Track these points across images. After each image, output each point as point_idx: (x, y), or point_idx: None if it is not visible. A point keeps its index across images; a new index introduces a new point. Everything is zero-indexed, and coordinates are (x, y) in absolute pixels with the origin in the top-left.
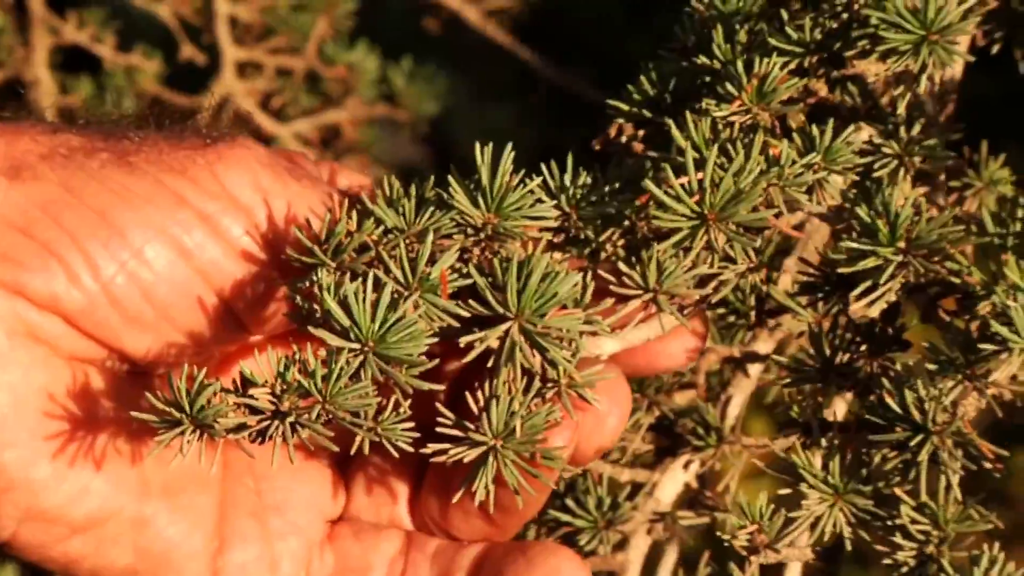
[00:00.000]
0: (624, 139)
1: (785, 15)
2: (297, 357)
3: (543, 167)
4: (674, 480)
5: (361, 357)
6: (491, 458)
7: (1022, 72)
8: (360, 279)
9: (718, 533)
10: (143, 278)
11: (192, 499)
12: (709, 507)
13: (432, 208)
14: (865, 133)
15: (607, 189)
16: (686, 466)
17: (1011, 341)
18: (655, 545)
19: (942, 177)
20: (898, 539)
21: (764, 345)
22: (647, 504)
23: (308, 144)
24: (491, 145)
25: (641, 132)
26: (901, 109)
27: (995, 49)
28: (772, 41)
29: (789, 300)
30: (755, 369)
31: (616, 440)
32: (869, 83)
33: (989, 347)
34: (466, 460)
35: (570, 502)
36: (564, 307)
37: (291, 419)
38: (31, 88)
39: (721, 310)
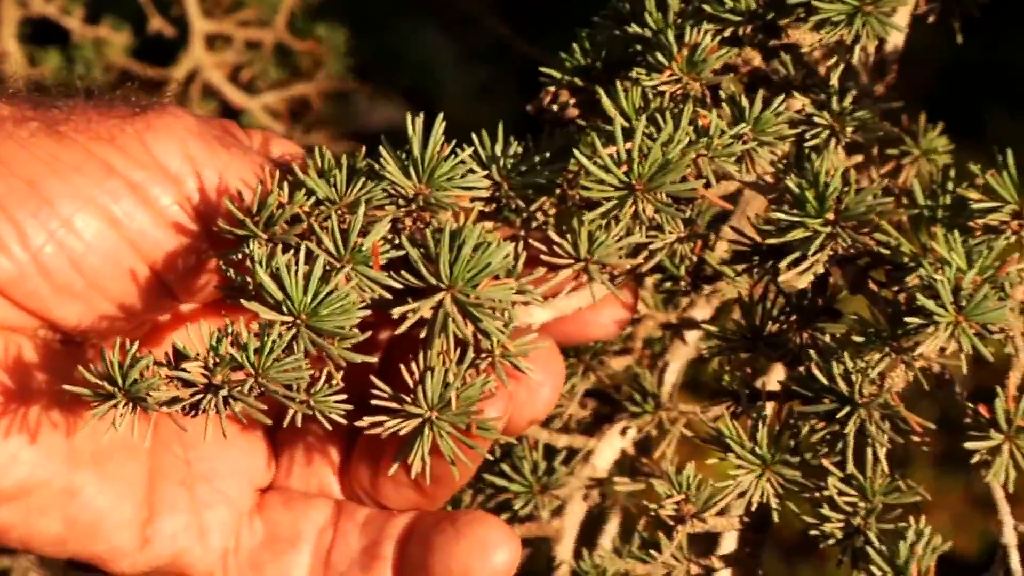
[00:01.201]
0: (557, 107)
1: None
2: (230, 330)
3: (474, 137)
4: (611, 446)
5: (294, 330)
6: (427, 430)
7: (959, 41)
8: (292, 251)
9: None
10: (72, 247)
11: (121, 468)
12: (646, 473)
13: (364, 179)
14: (798, 103)
15: (538, 159)
16: (623, 432)
17: (937, 315)
18: (591, 511)
19: (876, 148)
20: (825, 511)
21: (701, 312)
22: (583, 470)
23: (277, 116)
24: (422, 116)
25: (574, 99)
26: (834, 80)
27: (931, 19)
28: (707, 8)
29: (723, 267)
30: (692, 336)
31: (550, 410)
32: (804, 53)
33: (916, 320)
34: (402, 432)
35: (506, 467)
36: (496, 277)
37: (224, 392)
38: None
39: (657, 276)
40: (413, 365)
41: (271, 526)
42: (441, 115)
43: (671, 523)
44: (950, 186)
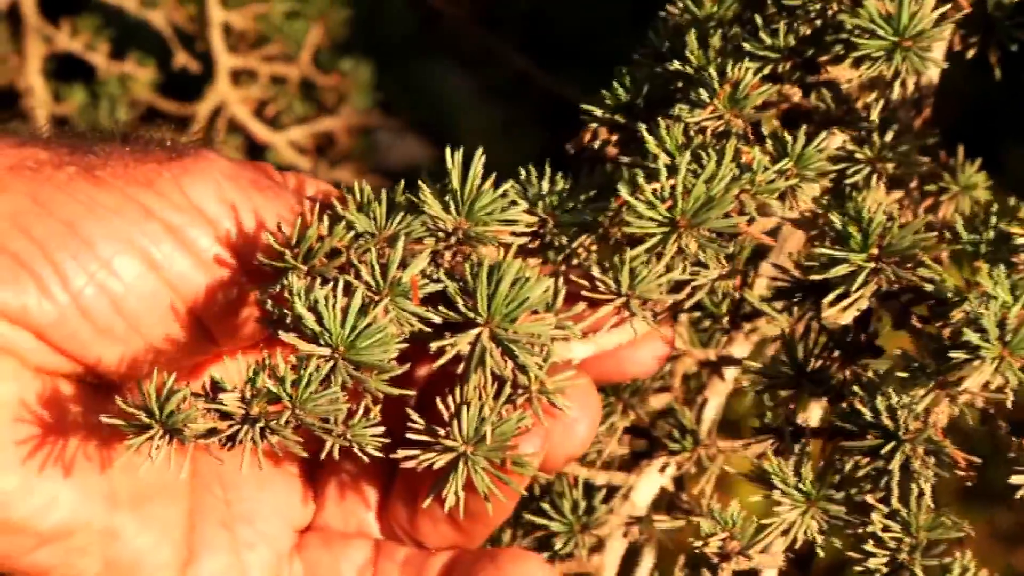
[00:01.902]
0: (598, 143)
1: (759, 20)
2: (267, 363)
3: (521, 172)
4: (650, 483)
5: (331, 363)
6: (461, 464)
7: (998, 77)
8: (331, 284)
9: (689, 539)
10: (112, 289)
11: (161, 509)
12: (685, 510)
13: (403, 213)
14: (839, 139)
15: (583, 196)
16: (662, 469)
17: (982, 348)
18: (631, 548)
19: (915, 183)
20: (870, 546)
21: (740, 349)
22: (623, 507)
23: (303, 152)
24: (462, 149)
25: (614, 137)
26: (874, 115)
27: (971, 54)
28: (746, 46)
29: (763, 304)
30: (730, 373)
31: (586, 447)
32: (843, 89)
33: (961, 354)
34: (436, 466)
35: (545, 505)
36: (535, 312)
37: (261, 424)
38: (25, 96)
39: (697, 314)
40: (450, 399)
41: (311, 566)
42: (480, 148)
43: (715, 560)
44: (992, 221)
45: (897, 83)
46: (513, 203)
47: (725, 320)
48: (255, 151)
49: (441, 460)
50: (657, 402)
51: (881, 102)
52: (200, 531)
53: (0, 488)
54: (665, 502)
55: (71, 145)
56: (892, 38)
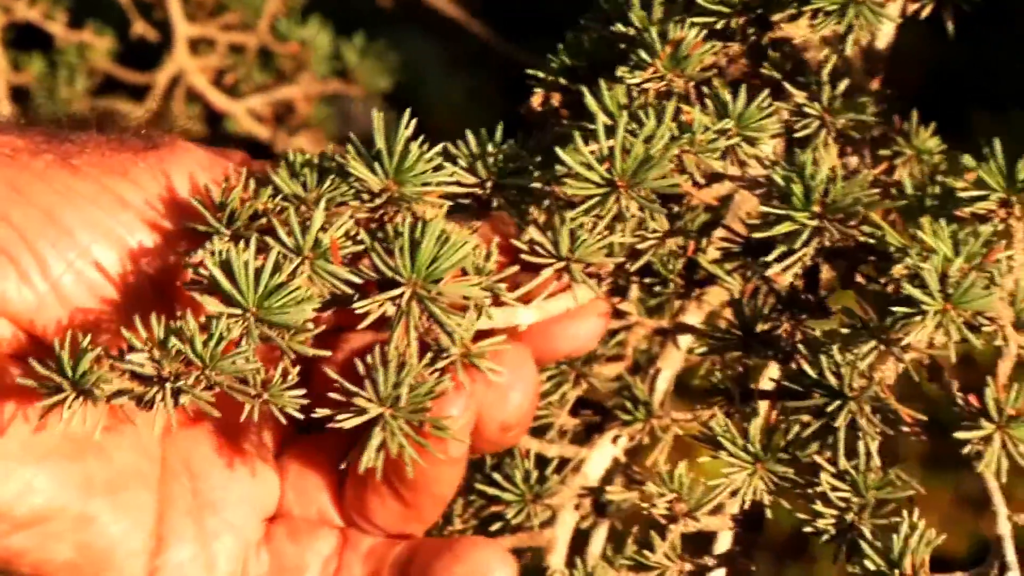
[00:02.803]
0: (551, 107)
1: None
2: (179, 324)
3: (467, 133)
4: (602, 455)
5: (243, 323)
6: (377, 428)
7: (951, 37)
8: (252, 245)
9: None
10: (90, 277)
11: (133, 497)
12: (638, 481)
13: (333, 177)
14: (791, 100)
15: (528, 158)
16: (614, 440)
17: (924, 303)
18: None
19: (868, 147)
20: (819, 507)
21: (693, 317)
22: (575, 479)
23: (261, 120)
24: (383, 111)
25: (561, 100)
26: (826, 73)
27: (924, 13)
28: (699, 1)
29: (715, 267)
30: (685, 341)
31: (523, 415)
32: (796, 47)
33: (903, 310)
34: (347, 426)
35: (497, 476)
36: (464, 274)
37: (171, 385)
38: None
39: (649, 279)
40: (370, 359)
41: (277, 557)
42: (409, 110)
43: (664, 522)
44: (938, 178)
45: (850, 39)
46: (441, 166)
47: (678, 285)
48: (214, 119)
49: (355, 421)
50: (610, 372)
51: (833, 59)
52: (168, 520)
53: None
54: (619, 474)
55: (47, 133)
56: None
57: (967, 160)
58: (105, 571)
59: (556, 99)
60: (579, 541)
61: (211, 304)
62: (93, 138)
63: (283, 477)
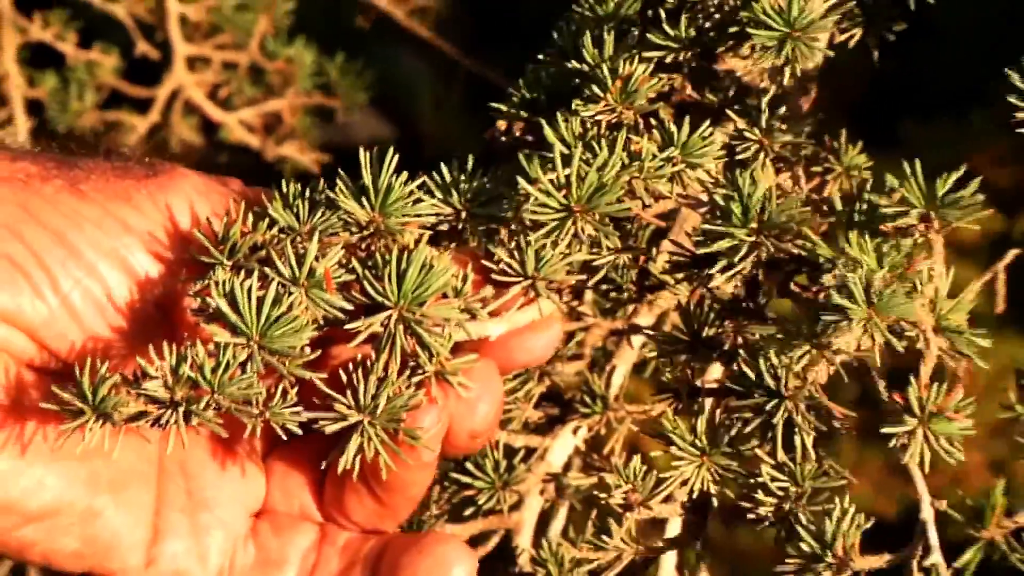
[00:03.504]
0: (509, 137)
1: (663, 14)
2: (188, 352)
3: (442, 166)
4: (564, 445)
5: (247, 351)
6: (355, 434)
7: (876, 63)
8: (252, 276)
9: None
10: (96, 294)
11: (134, 495)
12: (597, 468)
13: (323, 209)
14: (732, 125)
15: (496, 186)
16: (575, 431)
17: (850, 310)
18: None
19: (802, 165)
20: (760, 495)
21: (645, 319)
22: (540, 467)
23: (252, 130)
24: (376, 148)
25: (520, 128)
26: (764, 102)
27: (852, 43)
28: (650, 36)
29: (664, 276)
30: (637, 341)
31: (489, 425)
32: (739, 77)
33: (831, 316)
34: (327, 430)
35: (470, 465)
36: (444, 297)
37: (183, 408)
38: (2, 81)
39: (605, 286)
40: (354, 372)
41: (262, 550)
42: (392, 148)
43: (620, 511)
44: (865, 195)
45: (787, 71)
46: (420, 199)
47: (631, 292)
48: (209, 129)
49: (335, 426)
50: (570, 369)
51: (772, 89)
52: (165, 516)
53: None
54: (579, 462)
55: (57, 160)
56: (783, 29)
57: (891, 179)
58: (108, 560)
59: (518, 127)
60: (545, 523)
61: (219, 334)
62: (99, 165)
63: (269, 476)
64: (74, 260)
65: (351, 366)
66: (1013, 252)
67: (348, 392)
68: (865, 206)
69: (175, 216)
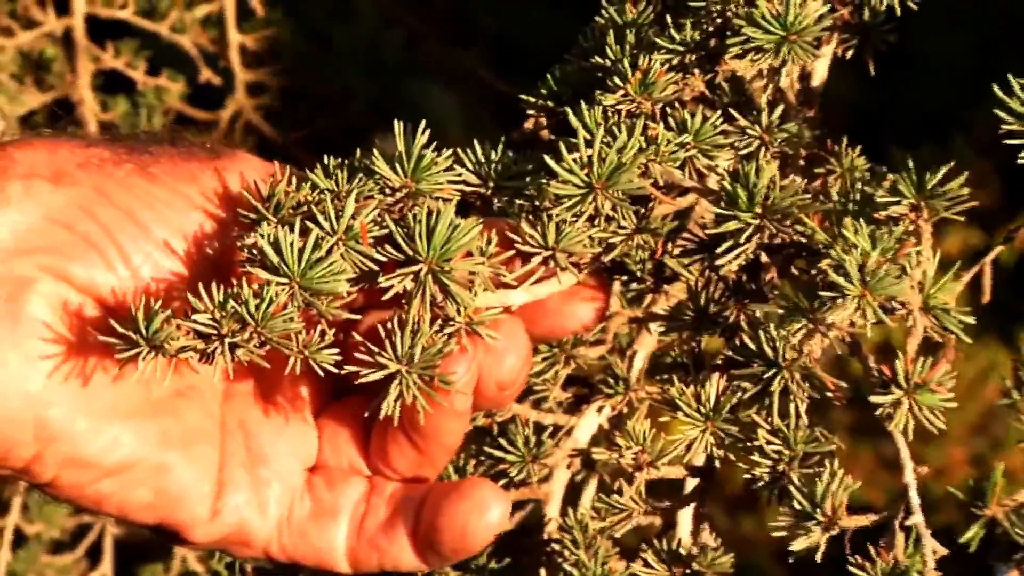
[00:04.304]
0: (539, 130)
1: (671, 21)
2: (235, 290)
3: (475, 143)
4: (589, 422)
5: (289, 290)
6: (395, 380)
7: (873, 74)
8: (295, 229)
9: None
10: (164, 266)
11: (200, 451)
12: (618, 445)
13: (360, 175)
14: (740, 122)
15: (526, 167)
16: (599, 410)
17: (845, 289)
18: (574, 477)
19: (803, 164)
20: (756, 458)
21: (662, 307)
22: (567, 443)
23: (306, 149)
24: (407, 123)
25: (545, 122)
26: (764, 99)
27: (849, 55)
28: (658, 40)
29: (678, 265)
30: (656, 328)
31: (516, 377)
32: (741, 78)
33: (828, 294)
34: (369, 379)
35: (502, 441)
36: (470, 255)
37: (229, 340)
38: (78, 106)
39: (624, 277)
40: (389, 325)
41: (317, 502)
42: (424, 121)
43: (630, 471)
44: (860, 186)
45: (783, 72)
46: (451, 167)
47: (649, 283)
48: (267, 148)
49: (377, 375)
50: (594, 354)
51: (771, 88)
52: (227, 470)
53: (73, 430)
54: (603, 438)
55: (128, 146)
56: (780, 32)
57: (883, 171)
58: (177, 512)
59: (544, 121)
60: (572, 495)
61: (262, 274)
62: (167, 150)
63: (320, 434)
64: (144, 236)
65: (386, 322)
66: (999, 248)
67: (386, 343)
68: (859, 196)
69: (234, 195)
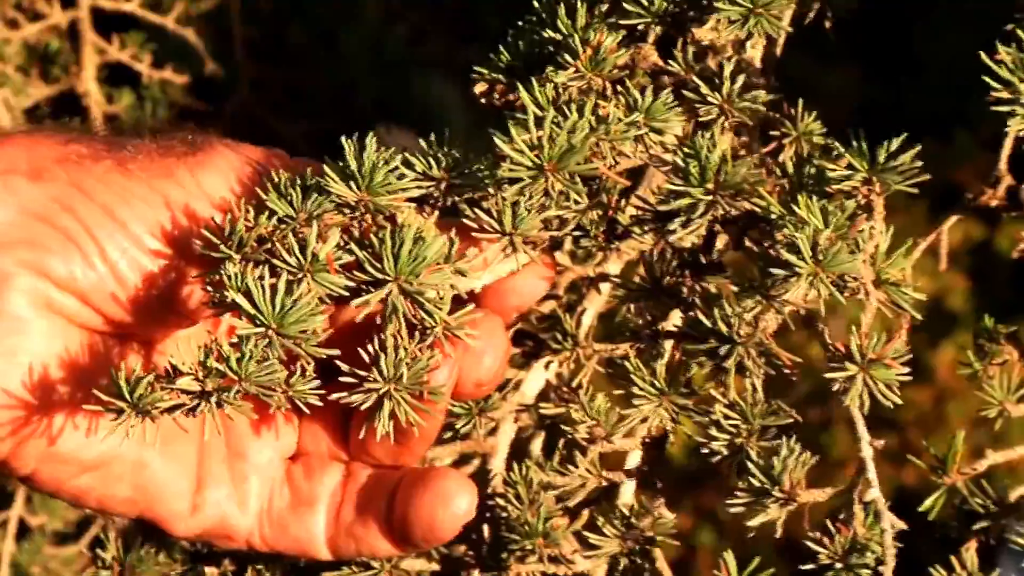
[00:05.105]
0: (497, 98)
1: None
2: (215, 345)
3: (431, 137)
4: (536, 378)
5: (267, 339)
6: (386, 400)
7: (832, 42)
8: (262, 266)
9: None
10: (141, 262)
11: (179, 447)
12: (566, 400)
13: (315, 194)
14: (702, 88)
15: (477, 155)
16: (547, 366)
17: (798, 266)
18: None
19: (757, 134)
20: (714, 432)
21: (614, 267)
22: (514, 397)
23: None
24: (356, 135)
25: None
26: (728, 71)
27: (808, 20)
28: (626, 6)
29: (632, 226)
30: (605, 287)
31: (494, 374)
32: (705, 48)
33: (780, 272)
34: (364, 407)
35: None
36: (436, 264)
37: (214, 399)
38: (83, 98)
39: (577, 233)
40: (370, 347)
41: (296, 492)
42: (371, 132)
43: (584, 443)
44: (815, 160)
45: (749, 44)
46: (403, 174)
47: (601, 239)
48: (273, 140)
49: (369, 400)
50: (544, 308)
51: (735, 59)
52: (207, 466)
53: (51, 424)
54: (550, 393)
55: (108, 142)
56: (748, 4)
57: (837, 146)
58: (157, 507)
59: (499, 91)
60: (522, 450)
61: (241, 327)
62: (146, 145)
63: (300, 422)
64: (121, 232)
65: (367, 341)
66: (955, 217)
67: (372, 366)
68: (814, 170)
69: (213, 190)
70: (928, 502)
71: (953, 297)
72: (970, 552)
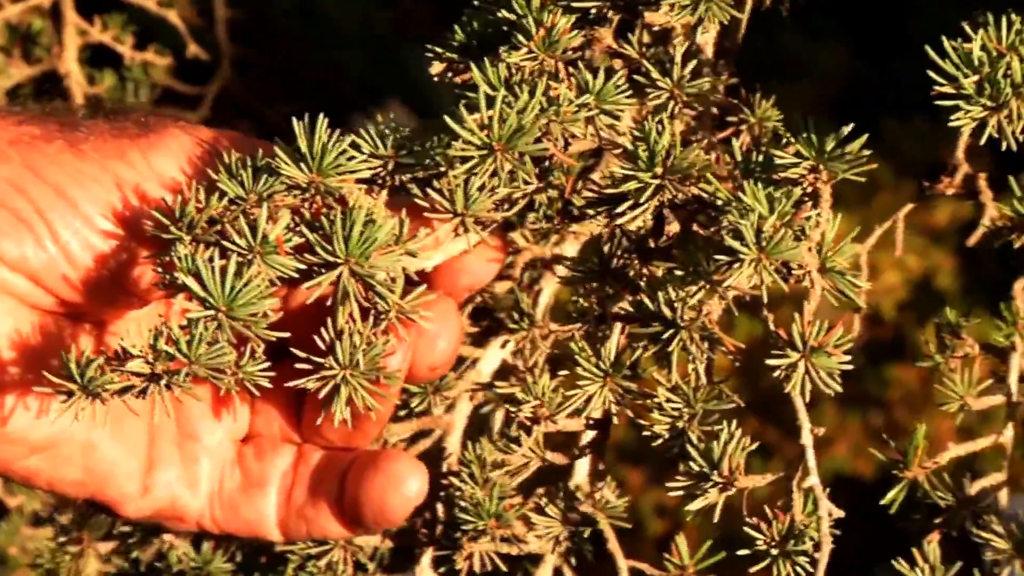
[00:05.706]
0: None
1: None
2: (164, 328)
3: (378, 115)
4: (493, 356)
5: (216, 322)
6: (343, 387)
7: (786, 21)
8: (212, 248)
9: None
10: (93, 243)
11: (129, 428)
12: (521, 379)
13: (266, 176)
14: (652, 73)
15: (428, 134)
16: (503, 345)
17: (741, 253)
18: (476, 410)
19: (709, 119)
20: (655, 415)
21: (570, 248)
22: (469, 375)
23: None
24: (307, 116)
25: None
26: (678, 55)
27: (766, 3)
28: None
29: (587, 209)
30: (561, 269)
31: (448, 357)
32: (657, 32)
33: (724, 258)
34: (321, 394)
35: None
36: (387, 245)
37: (164, 381)
38: (65, 79)
39: (533, 215)
40: (325, 332)
41: (246, 474)
42: (322, 114)
43: (528, 423)
44: (763, 147)
45: (700, 29)
46: (353, 156)
47: (556, 221)
48: (258, 122)
49: (326, 387)
50: (500, 288)
51: (686, 43)
52: (158, 447)
53: (1, 404)
54: (506, 372)
55: (61, 123)
56: None
57: (785, 133)
58: (107, 488)
59: (456, 69)
60: (478, 428)
61: (189, 306)
62: (99, 126)
63: (252, 403)
64: (72, 212)
65: (321, 324)
66: (909, 206)
67: (329, 351)
68: (762, 157)
69: (164, 171)
70: (890, 495)
71: (941, 276)
72: (932, 545)
